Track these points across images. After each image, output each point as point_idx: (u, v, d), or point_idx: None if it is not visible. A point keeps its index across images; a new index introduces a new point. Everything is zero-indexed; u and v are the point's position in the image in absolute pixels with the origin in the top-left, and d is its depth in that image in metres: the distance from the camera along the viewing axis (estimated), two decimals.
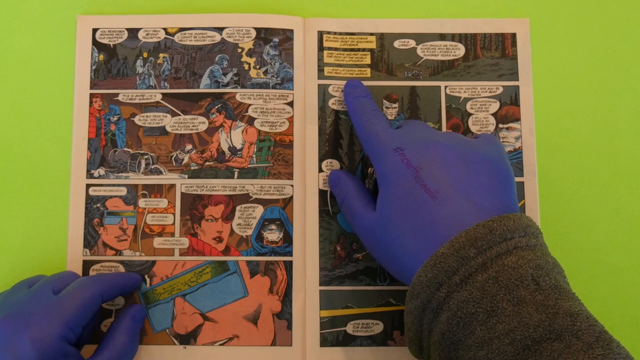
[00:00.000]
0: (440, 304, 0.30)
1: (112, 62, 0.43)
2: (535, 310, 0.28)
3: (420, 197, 0.33)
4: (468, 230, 0.30)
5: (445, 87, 0.43)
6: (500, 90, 0.43)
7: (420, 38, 0.43)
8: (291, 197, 0.42)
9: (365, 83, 0.42)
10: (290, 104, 0.43)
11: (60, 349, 0.34)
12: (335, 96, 0.43)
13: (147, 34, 0.43)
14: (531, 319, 0.28)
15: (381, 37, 0.43)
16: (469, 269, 0.30)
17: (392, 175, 0.34)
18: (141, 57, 0.43)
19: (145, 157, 0.42)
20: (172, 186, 0.42)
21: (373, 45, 0.43)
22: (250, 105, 0.42)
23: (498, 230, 0.30)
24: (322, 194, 0.42)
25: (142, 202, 0.42)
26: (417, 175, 0.33)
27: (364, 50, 0.43)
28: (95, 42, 0.43)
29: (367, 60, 0.43)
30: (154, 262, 0.41)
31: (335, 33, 0.43)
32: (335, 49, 0.43)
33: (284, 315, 0.41)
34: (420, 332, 0.32)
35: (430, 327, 0.31)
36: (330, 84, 0.43)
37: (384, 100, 0.43)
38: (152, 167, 0.42)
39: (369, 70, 0.43)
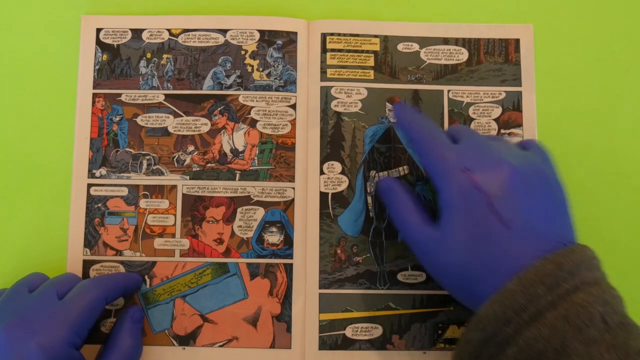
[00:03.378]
0: (507, 339, 0.30)
1: (116, 62, 0.43)
2: (606, 351, 0.28)
3: (493, 226, 0.32)
4: (536, 265, 0.30)
5: (448, 91, 0.43)
6: (503, 95, 0.43)
7: (424, 42, 0.43)
8: (292, 200, 0.42)
9: (368, 85, 0.42)
10: (293, 106, 0.43)
11: (68, 355, 0.34)
12: (337, 98, 0.43)
13: (150, 35, 0.43)
14: None
15: (385, 40, 0.43)
16: (538, 307, 0.29)
17: (462, 199, 0.33)
18: (144, 58, 0.43)
19: (147, 157, 0.42)
20: (174, 187, 0.42)
21: (377, 48, 0.43)
22: (252, 107, 0.42)
23: (565, 265, 0.30)
24: (323, 196, 0.42)
25: (143, 203, 0.42)
26: (489, 202, 0.32)
27: (367, 52, 0.43)
28: (99, 42, 0.43)
29: (371, 62, 0.43)
30: (154, 263, 0.41)
31: (339, 34, 0.43)
32: (339, 50, 0.43)
33: (284, 317, 0.41)
34: None
35: None
36: (333, 86, 0.43)
37: (387, 103, 0.43)
38: (154, 167, 0.42)
39: (372, 72, 0.43)
